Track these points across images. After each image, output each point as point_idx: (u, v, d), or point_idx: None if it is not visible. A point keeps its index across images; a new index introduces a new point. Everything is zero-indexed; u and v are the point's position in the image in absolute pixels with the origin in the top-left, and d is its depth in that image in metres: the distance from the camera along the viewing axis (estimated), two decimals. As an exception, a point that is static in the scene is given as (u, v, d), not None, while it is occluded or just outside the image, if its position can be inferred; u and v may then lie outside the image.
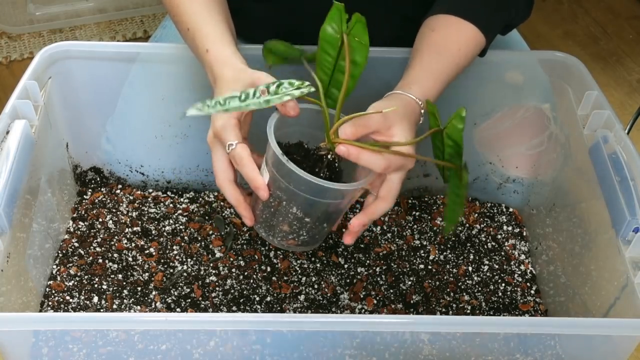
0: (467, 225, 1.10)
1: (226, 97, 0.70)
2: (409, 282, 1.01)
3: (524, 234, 1.10)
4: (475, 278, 1.03)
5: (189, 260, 1.02)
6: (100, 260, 1.02)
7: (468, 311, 0.98)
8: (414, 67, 0.87)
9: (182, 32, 0.90)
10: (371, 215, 0.81)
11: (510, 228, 1.10)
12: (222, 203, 1.11)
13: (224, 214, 1.09)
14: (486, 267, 1.04)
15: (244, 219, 0.84)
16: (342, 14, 0.75)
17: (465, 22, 0.89)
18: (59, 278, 0.99)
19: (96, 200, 1.10)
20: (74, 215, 1.08)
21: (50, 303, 0.96)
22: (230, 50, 0.83)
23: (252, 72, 0.80)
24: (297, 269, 1.02)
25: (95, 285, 0.98)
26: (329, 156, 0.79)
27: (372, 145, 0.77)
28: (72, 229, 1.06)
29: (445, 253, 1.06)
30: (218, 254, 1.03)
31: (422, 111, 0.83)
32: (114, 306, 0.96)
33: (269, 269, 1.02)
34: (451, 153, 0.79)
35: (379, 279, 1.01)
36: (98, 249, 1.03)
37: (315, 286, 1.00)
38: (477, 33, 0.90)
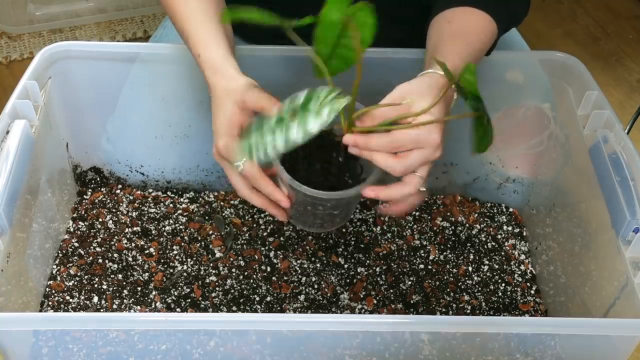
0: (467, 225, 1.10)
1: (262, 129, 0.69)
2: (409, 282, 1.01)
3: (524, 234, 1.10)
4: (475, 278, 1.03)
5: (189, 260, 1.02)
6: (100, 260, 1.02)
7: (468, 311, 0.98)
8: (439, 51, 0.84)
9: (179, 35, 0.90)
10: (387, 197, 0.77)
11: (510, 228, 1.10)
12: (222, 203, 1.11)
13: (224, 214, 1.09)
14: (486, 267, 1.04)
15: (276, 217, 0.84)
16: None
17: (481, 12, 0.88)
18: (59, 278, 0.99)
19: (96, 200, 1.10)
20: (74, 215, 1.08)
21: (50, 303, 0.96)
22: (221, 55, 0.82)
23: (242, 82, 0.79)
24: (297, 269, 1.02)
25: (95, 285, 0.98)
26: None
27: (381, 126, 0.74)
28: (72, 229, 1.06)
29: (445, 253, 1.05)
30: (218, 254, 1.03)
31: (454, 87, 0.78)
32: (114, 306, 0.96)
33: (269, 269, 1.02)
34: (467, 94, 0.75)
35: (379, 279, 1.01)
36: (98, 249, 1.03)
37: (315, 286, 1.00)
38: (492, 23, 0.88)
